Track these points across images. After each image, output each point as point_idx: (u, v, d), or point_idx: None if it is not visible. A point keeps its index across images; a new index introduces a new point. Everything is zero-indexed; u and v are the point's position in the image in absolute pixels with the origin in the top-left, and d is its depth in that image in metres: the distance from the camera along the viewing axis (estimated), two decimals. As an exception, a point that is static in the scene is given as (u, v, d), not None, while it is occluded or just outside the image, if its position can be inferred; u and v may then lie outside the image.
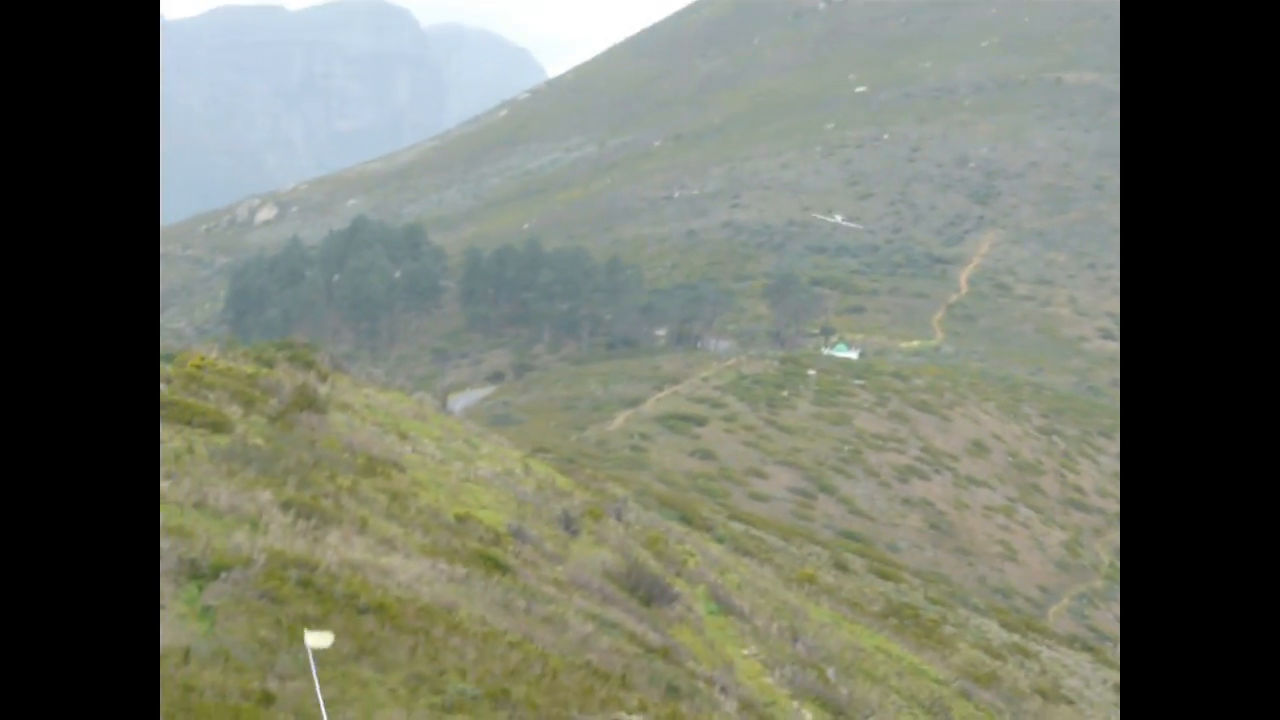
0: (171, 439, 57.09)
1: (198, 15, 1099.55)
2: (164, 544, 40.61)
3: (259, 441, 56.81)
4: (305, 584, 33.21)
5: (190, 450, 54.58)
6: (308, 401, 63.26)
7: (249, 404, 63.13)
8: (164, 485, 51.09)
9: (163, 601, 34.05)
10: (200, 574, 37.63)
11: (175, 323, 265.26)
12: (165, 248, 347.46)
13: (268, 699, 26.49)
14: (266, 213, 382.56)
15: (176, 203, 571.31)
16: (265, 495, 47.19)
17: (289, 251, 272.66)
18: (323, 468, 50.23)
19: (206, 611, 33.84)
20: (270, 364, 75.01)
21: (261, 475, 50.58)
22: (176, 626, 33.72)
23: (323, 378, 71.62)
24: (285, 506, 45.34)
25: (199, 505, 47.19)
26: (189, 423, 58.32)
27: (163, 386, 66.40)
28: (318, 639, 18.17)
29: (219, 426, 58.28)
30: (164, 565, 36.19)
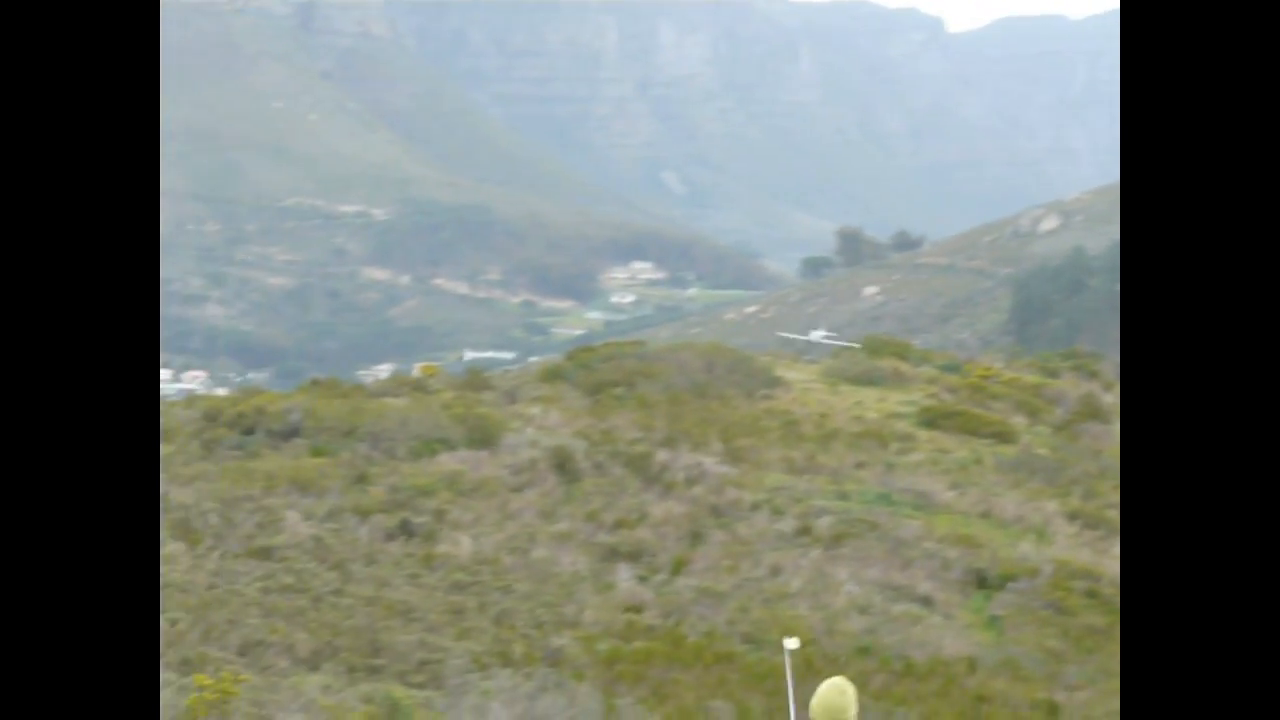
0: (958, 449, 57.79)
1: (980, 28, 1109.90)
2: (951, 554, 41.07)
3: (1044, 452, 56.57)
4: (1091, 595, 32.77)
5: (977, 460, 55.11)
6: (1092, 411, 62.45)
7: (1034, 414, 63.08)
8: (951, 495, 51.69)
9: (950, 611, 34.49)
10: (987, 584, 37.81)
11: (960, 334, 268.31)
12: (949, 259, 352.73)
13: (1053, 710, 26.31)
14: (1049, 223, 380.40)
15: (959, 215, 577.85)
16: (1050, 505, 46.96)
17: (1072, 261, 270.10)
18: (1108, 478, 49.37)
19: (993, 621, 33.96)
20: (1054, 374, 74.69)
21: (1047, 485, 50.31)
22: (964, 635, 34.06)
23: (1107, 387, 70.43)
24: (1071, 517, 44.86)
25: (985, 515, 47.55)
26: (975, 433, 58.92)
27: (948, 396, 67.29)
28: (790, 643, 17.57)
29: (1004, 437, 58.57)
30: (951, 575, 36.59)
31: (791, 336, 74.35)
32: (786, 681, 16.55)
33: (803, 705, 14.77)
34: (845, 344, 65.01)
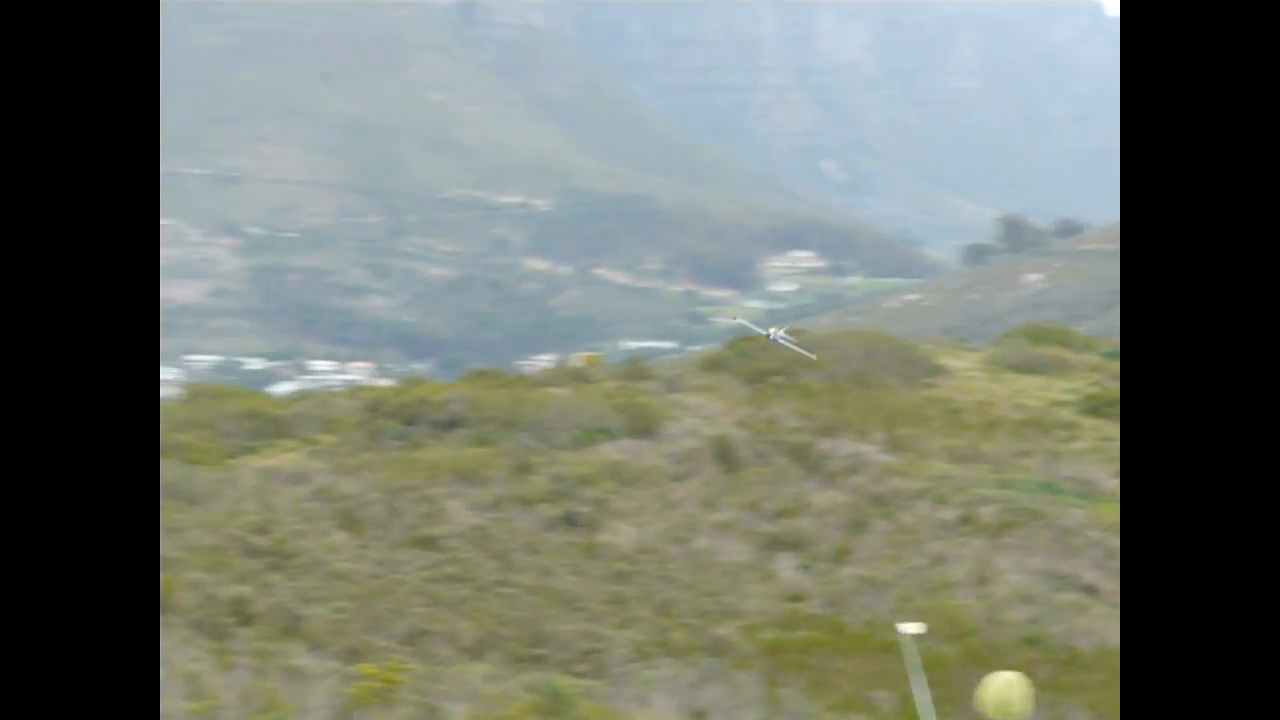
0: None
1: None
2: (1116, 542, 40.37)
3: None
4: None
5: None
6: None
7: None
8: (1115, 483, 50.87)
9: (1116, 600, 33.91)
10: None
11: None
12: (1113, 246, 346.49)
13: None
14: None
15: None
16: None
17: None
18: None
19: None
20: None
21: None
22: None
23: None
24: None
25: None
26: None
27: (1112, 383, 66.21)
28: (908, 628, 17.08)
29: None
30: (1116, 563, 36.02)
31: (750, 325, 71.19)
32: (911, 668, 16.28)
33: (952, 696, 14.57)
34: (802, 350, 63.64)
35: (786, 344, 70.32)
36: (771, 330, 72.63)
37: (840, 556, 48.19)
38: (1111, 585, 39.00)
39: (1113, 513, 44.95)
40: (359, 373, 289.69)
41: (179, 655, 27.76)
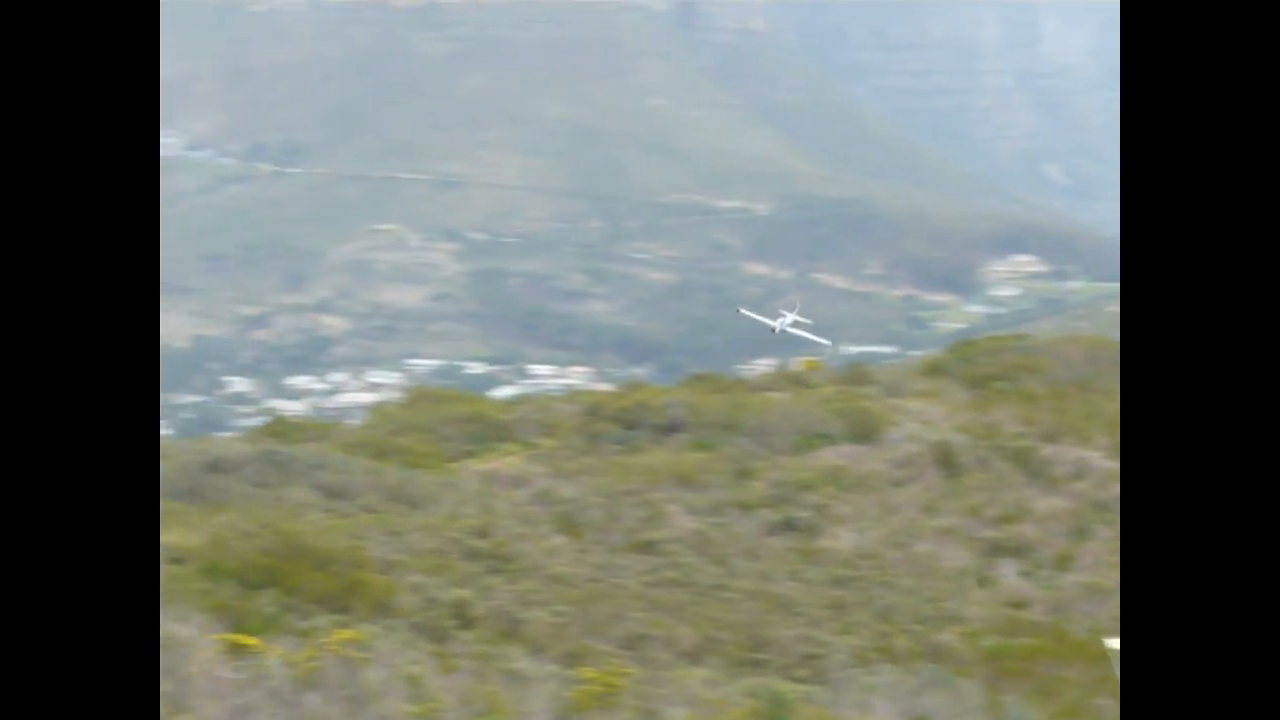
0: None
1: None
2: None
3: None
4: None
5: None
6: None
7: None
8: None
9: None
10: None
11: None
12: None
13: None
14: None
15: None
16: None
17: None
18: None
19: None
20: None
21: None
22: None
23: None
24: None
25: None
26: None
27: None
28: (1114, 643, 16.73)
29: None
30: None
31: (755, 316, 65.57)
32: (1116, 683, 16.04)
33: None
34: (817, 339, 60.52)
35: (797, 332, 68.30)
36: (778, 320, 70.43)
37: (1063, 563, 47.39)
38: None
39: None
40: (578, 377, 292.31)
41: (400, 658, 28.24)
